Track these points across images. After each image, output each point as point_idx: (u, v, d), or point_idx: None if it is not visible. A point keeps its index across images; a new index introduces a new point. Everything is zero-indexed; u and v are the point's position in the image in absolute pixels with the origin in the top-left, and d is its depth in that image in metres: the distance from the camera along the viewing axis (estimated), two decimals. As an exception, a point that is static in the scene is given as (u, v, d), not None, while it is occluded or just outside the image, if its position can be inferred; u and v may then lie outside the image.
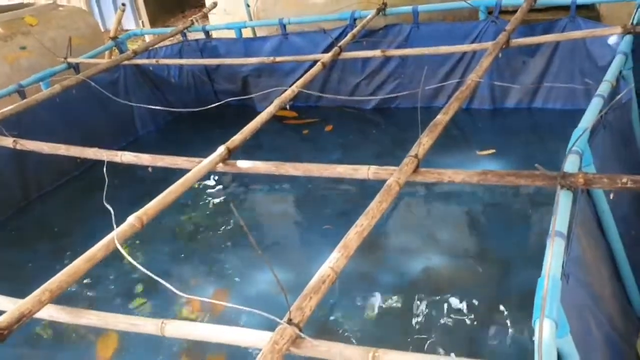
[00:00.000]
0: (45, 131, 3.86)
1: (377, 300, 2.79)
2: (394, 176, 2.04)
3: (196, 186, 3.85)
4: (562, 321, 1.44)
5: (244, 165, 2.55)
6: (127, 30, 8.68)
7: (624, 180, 1.79)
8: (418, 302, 2.72)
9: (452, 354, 2.39)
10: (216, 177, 4.05)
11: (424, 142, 2.19)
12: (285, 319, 1.48)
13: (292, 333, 1.45)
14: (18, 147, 3.02)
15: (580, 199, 1.95)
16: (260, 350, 1.43)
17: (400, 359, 1.38)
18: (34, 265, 3.37)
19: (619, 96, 2.35)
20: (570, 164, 1.95)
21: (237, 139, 2.65)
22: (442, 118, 2.37)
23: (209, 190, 3.98)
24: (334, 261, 1.69)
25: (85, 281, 3.11)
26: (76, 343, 2.79)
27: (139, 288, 3.08)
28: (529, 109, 4.33)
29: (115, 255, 1.95)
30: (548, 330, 1.35)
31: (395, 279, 2.91)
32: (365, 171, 2.24)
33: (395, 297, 2.78)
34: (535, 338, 1.34)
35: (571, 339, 1.48)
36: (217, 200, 3.91)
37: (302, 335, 1.45)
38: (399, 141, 3.95)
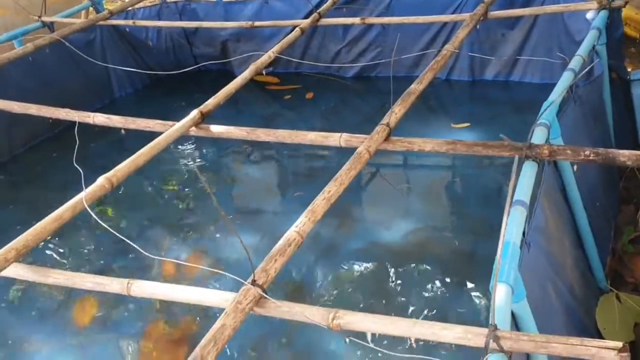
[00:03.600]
0: (17, 91, 3.79)
1: (346, 267, 2.83)
2: (364, 144, 2.06)
3: (170, 149, 3.84)
4: (518, 286, 1.49)
5: (217, 129, 2.54)
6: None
7: (587, 152, 1.82)
8: (388, 270, 2.77)
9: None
10: (191, 143, 4.03)
11: (397, 110, 2.21)
12: (250, 280, 1.50)
13: (256, 294, 1.47)
14: (-12, 106, 2.98)
15: (546, 170, 1.99)
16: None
17: (360, 320, 1.42)
18: (2, 224, 3.35)
19: (587, 68, 2.37)
20: (538, 136, 1.98)
21: (210, 103, 2.64)
22: (415, 87, 2.38)
23: (182, 155, 3.97)
24: (300, 225, 1.72)
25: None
26: (52, 309, 2.79)
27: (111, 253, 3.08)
28: (506, 82, 4.35)
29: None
30: (503, 295, 1.39)
31: (366, 247, 2.95)
32: (337, 139, 2.25)
33: (365, 264, 2.83)
34: (491, 302, 1.38)
35: (527, 303, 1.53)
36: (190, 166, 3.91)
37: (266, 296, 1.48)
38: (379, 109, 3.96)
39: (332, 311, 1.44)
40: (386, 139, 2.09)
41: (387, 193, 3.47)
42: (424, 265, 2.77)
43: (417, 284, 2.66)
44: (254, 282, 1.50)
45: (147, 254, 1.65)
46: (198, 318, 2.64)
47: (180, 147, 3.98)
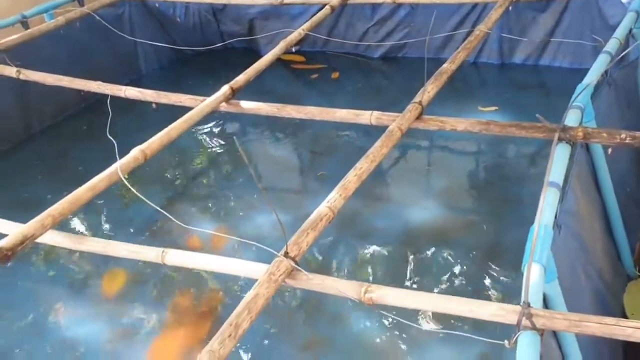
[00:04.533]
0: (47, 64, 3.81)
1: (373, 246, 2.84)
2: (396, 122, 2.06)
3: (197, 129, 3.87)
4: (550, 267, 1.49)
5: (247, 105, 2.56)
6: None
7: (623, 135, 1.80)
8: (415, 250, 2.77)
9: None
10: (218, 121, 4.04)
11: (429, 89, 2.20)
12: (282, 252, 1.52)
13: (288, 265, 1.49)
14: (21, 77, 3.02)
15: (579, 153, 1.97)
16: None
17: (391, 295, 1.43)
18: (30, 196, 3.38)
19: (624, 52, 2.34)
20: (571, 119, 1.96)
21: (241, 79, 2.66)
22: (448, 67, 2.36)
23: (209, 134, 3.99)
24: (332, 201, 1.73)
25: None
26: (82, 278, 2.83)
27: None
28: (536, 66, 4.30)
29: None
30: (536, 274, 1.39)
31: (394, 228, 2.96)
32: (367, 116, 2.25)
33: (392, 245, 2.83)
34: (523, 281, 1.38)
35: (558, 284, 1.53)
36: (216, 144, 3.93)
37: (298, 268, 1.50)
38: (405, 91, 3.95)
39: (364, 285, 1.46)
40: (418, 118, 2.09)
41: (410, 174, 3.47)
42: (451, 246, 2.77)
43: (441, 266, 2.66)
44: (286, 255, 1.52)
45: (181, 224, 1.68)
46: (223, 294, 2.67)
47: (208, 124, 3.99)
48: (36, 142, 4.00)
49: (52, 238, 1.80)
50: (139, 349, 2.44)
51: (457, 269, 2.61)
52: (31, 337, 2.50)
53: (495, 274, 2.56)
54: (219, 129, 4.02)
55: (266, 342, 2.37)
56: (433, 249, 2.74)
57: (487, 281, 2.54)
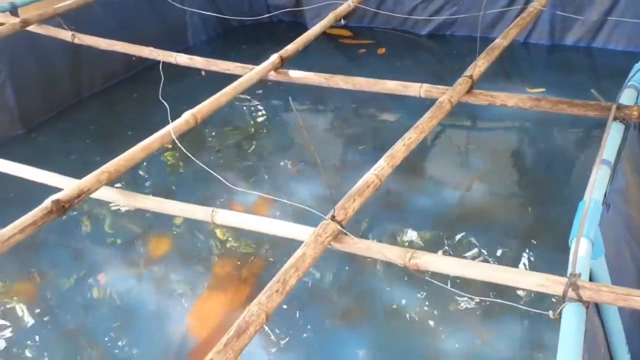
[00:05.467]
0: (100, 31, 3.89)
1: (412, 223, 2.85)
2: (446, 94, 2.05)
3: (244, 98, 3.91)
4: (598, 243, 1.47)
5: (296, 75, 2.57)
6: None
7: (681, 115, 1.76)
8: (455, 229, 2.77)
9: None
10: (262, 92, 4.07)
11: (480, 64, 2.18)
12: (329, 215, 1.54)
13: (335, 229, 1.51)
14: (76, 41, 3.09)
15: (632, 132, 1.93)
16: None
17: (436, 262, 1.44)
18: (77, 158, 3.47)
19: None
20: (626, 98, 1.92)
21: (290, 48, 2.67)
22: (500, 42, 2.33)
23: (255, 105, 4.02)
24: (379, 169, 1.74)
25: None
26: (128, 241, 2.92)
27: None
28: (588, 48, 4.19)
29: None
30: (584, 249, 1.38)
31: (434, 205, 2.96)
32: (417, 89, 2.25)
33: (431, 222, 2.83)
34: (570, 255, 1.37)
35: (604, 261, 1.52)
36: (262, 115, 3.96)
37: (345, 231, 1.52)
38: (452, 69, 3.91)
39: (409, 251, 1.47)
40: (468, 92, 2.08)
41: (453, 152, 3.45)
42: (491, 226, 2.76)
43: (482, 245, 2.66)
44: (333, 218, 1.54)
45: (231, 185, 1.71)
46: (263, 262, 2.72)
47: (255, 91, 4.02)
48: (86, 108, 4.10)
49: (106, 194, 1.87)
50: (181, 310, 2.51)
51: (498, 249, 2.61)
52: (76, 296, 2.60)
53: (537, 254, 2.55)
54: (266, 98, 4.06)
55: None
56: (474, 228, 2.74)
57: (529, 262, 2.53)
